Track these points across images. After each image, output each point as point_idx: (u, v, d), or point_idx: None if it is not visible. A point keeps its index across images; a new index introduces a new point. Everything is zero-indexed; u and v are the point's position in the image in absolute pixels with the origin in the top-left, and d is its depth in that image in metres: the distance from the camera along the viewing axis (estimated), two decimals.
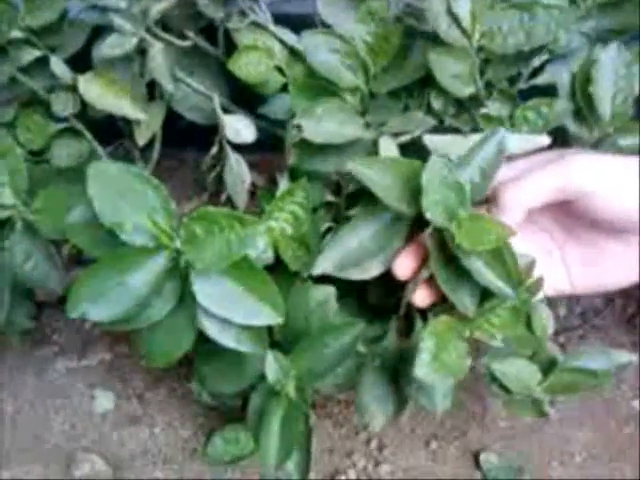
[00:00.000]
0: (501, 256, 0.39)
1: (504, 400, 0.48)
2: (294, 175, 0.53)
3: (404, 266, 0.43)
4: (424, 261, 0.43)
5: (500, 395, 0.47)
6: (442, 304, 0.42)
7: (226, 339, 0.42)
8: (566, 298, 0.65)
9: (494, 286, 0.39)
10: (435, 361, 0.40)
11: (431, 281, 0.42)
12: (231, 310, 0.40)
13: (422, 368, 0.39)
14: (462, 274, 0.40)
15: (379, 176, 0.41)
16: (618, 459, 0.60)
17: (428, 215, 0.39)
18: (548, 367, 0.46)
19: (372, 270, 0.45)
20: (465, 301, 0.41)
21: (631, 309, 0.67)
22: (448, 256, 0.40)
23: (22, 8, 0.53)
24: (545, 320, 0.48)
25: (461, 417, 0.63)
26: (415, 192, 0.39)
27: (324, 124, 0.47)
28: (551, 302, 0.53)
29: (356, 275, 0.45)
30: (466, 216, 0.39)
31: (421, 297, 0.43)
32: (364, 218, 0.44)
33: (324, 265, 0.44)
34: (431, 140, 0.44)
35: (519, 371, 0.45)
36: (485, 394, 0.63)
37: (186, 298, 0.42)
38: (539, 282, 0.42)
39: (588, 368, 0.46)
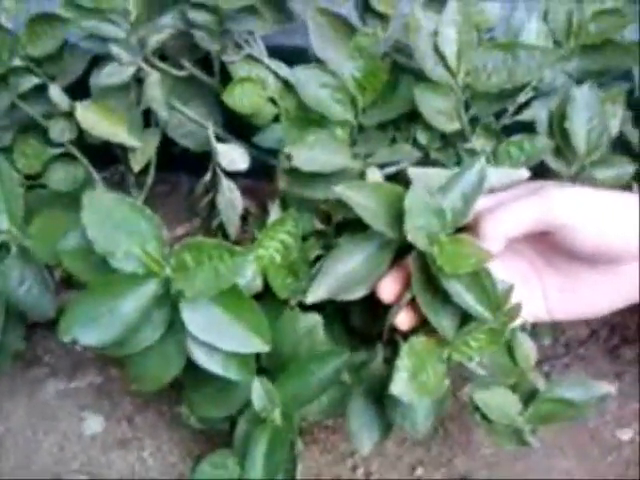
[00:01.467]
0: (480, 280, 0.40)
1: (486, 429, 0.48)
2: (285, 203, 0.54)
3: (388, 289, 0.44)
4: (407, 285, 0.44)
5: (482, 424, 0.48)
6: (423, 327, 0.43)
7: (213, 366, 0.43)
8: (551, 328, 0.66)
9: (473, 309, 0.40)
10: (413, 380, 0.41)
11: (413, 304, 0.43)
12: (219, 338, 0.41)
13: (399, 386, 0.41)
14: (443, 297, 0.41)
15: (365, 200, 0.42)
16: None
17: (410, 238, 0.40)
18: (529, 397, 0.47)
19: (358, 292, 0.46)
20: (445, 324, 0.42)
21: (615, 339, 0.68)
22: (430, 279, 0.41)
23: (23, 37, 0.54)
24: (528, 350, 0.49)
25: (447, 444, 0.63)
26: (399, 216, 0.40)
27: (314, 153, 0.48)
28: (536, 332, 0.54)
29: (342, 297, 0.46)
30: (447, 240, 0.40)
31: (403, 320, 0.44)
32: (354, 244, 0.45)
33: (317, 293, 0.46)
34: (415, 172, 0.46)
35: (500, 401, 0.46)
36: (470, 422, 0.63)
37: (176, 325, 0.43)
38: (517, 307, 0.43)
39: (568, 398, 0.47)
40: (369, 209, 0.42)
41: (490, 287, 0.40)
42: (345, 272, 0.45)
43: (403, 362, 0.41)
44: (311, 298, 0.45)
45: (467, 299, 0.40)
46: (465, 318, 0.42)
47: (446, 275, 0.40)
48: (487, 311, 0.40)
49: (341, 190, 0.42)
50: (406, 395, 0.40)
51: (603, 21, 0.51)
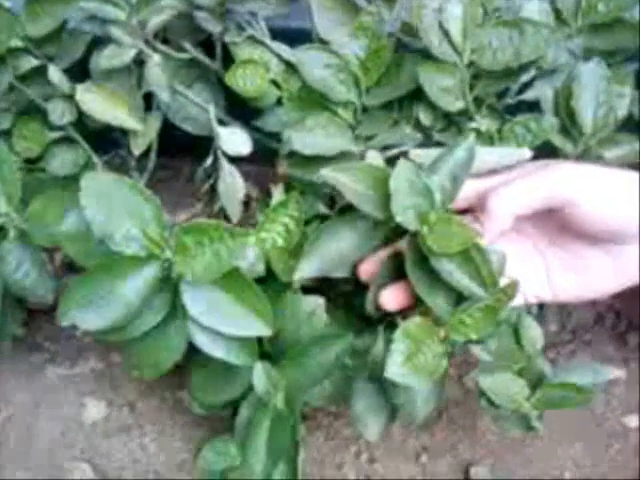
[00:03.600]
0: (471, 258, 0.39)
1: (492, 415, 0.48)
2: (289, 186, 0.53)
3: (366, 269, 0.44)
4: (387, 266, 0.43)
5: (489, 409, 0.47)
6: (418, 307, 0.43)
7: (216, 350, 0.42)
8: (557, 313, 0.65)
9: (465, 288, 0.40)
10: (409, 362, 0.40)
11: (404, 284, 0.42)
12: (221, 322, 0.41)
13: (393, 369, 0.40)
14: (437, 277, 0.40)
15: (352, 182, 0.41)
16: (608, 475, 0.60)
17: (398, 219, 0.39)
18: (536, 382, 0.46)
19: (343, 272, 0.45)
20: (440, 304, 0.41)
21: (622, 325, 0.67)
22: (423, 260, 0.41)
23: (22, 17, 0.53)
24: (535, 335, 0.49)
25: (452, 430, 0.63)
26: (387, 198, 0.40)
27: (313, 136, 0.48)
28: (542, 317, 0.53)
29: (329, 275, 0.45)
30: (435, 219, 0.40)
31: (388, 299, 0.43)
32: (344, 225, 0.44)
33: (305, 271, 0.45)
34: (417, 154, 0.45)
35: (507, 386, 0.45)
36: (476, 408, 0.63)
37: (177, 308, 0.42)
38: (514, 284, 0.42)
39: (576, 384, 0.46)
40: (357, 191, 0.41)
41: (482, 264, 0.39)
42: (334, 252, 0.44)
43: (397, 345, 0.40)
44: (298, 276, 0.45)
45: (458, 278, 0.39)
46: (460, 297, 0.41)
47: (436, 255, 0.39)
48: (480, 288, 0.39)
49: (328, 173, 0.41)
50: (401, 377, 0.40)
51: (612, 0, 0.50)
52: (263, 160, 0.58)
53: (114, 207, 0.39)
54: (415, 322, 0.42)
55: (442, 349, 0.42)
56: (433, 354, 0.41)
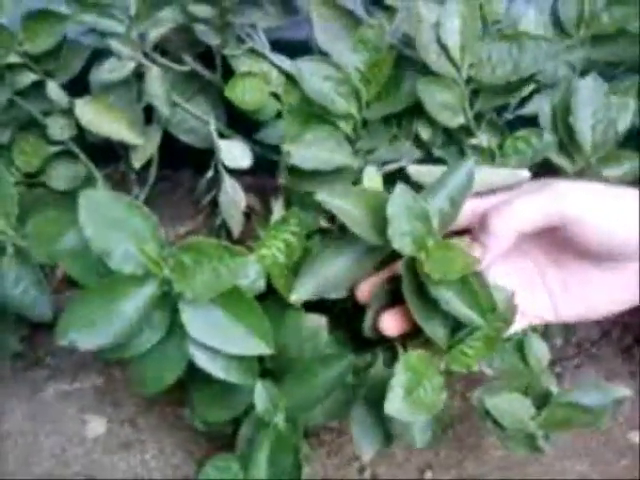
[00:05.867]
0: (470, 285, 0.39)
1: (498, 435, 0.47)
2: (289, 201, 0.53)
3: (363, 291, 0.44)
4: (384, 288, 0.43)
5: (493, 430, 0.46)
6: (416, 335, 0.42)
7: (215, 369, 0.42)
8: (562, 328, 0.64)
9: (463, 315, 0.39)
10: (409, 397, 0.40)
11: (403, 308, 0.42)
12: (220, 340, 0.40)
13: (394, 404, 0.39)
14: (434, 304, 0.40)
15: (349, 207, 0.41)
16: None
17: (395, 245, 0.39)
18: (542, 401, 0.46)
19: (338, 294, 0.45)
20: (437, 331, 0.41)
21: (628, 339, 0.66)
22: (420, 286, 0.40)
23: (20, 34, 0.53)
24: (540, 352, 0.48)
25: (456, 447, 0.62)
26: (384, 222, 0.39)
27: (313, 151, 0.47)
28: (547, 332, 0.52)
29: (324, 296, 0.45)
30: (434, 245, 0.39)
31: (389, 325, 0.42)
32: (341, 247, 0.44)
33: (301, 292, 0.44)
34: (416, 170, 0.44)
35: (512, 406, 0.44)
36: (481, 424, 0.62)
37: (176, 326, 0.41)
38: (512, 311, 0.41)
39: (583, 404, 0.45)
40: (353, 216, 0.40)
41: (481, 292, 0.38)
42: (329, 274, 0.44)
43: (398, 379, 0.40)
44: (294, 297, 0.44)
45: (457, 305, 0.39)
46: (459, 323, 0.40)
47: (434, 281, 0.38)
48: (478, 317, 0.38)
49: (325, 197, 0.41)
50: (401, 413, 0.39)
51: (616, 10, 0.50)
52: (264, 172, 0.58)
53: (112, 225, 0.39)
54: (415, 354, 0.41)
55: (441, 381, 0.41)
56: (433, 387, 0.40)
